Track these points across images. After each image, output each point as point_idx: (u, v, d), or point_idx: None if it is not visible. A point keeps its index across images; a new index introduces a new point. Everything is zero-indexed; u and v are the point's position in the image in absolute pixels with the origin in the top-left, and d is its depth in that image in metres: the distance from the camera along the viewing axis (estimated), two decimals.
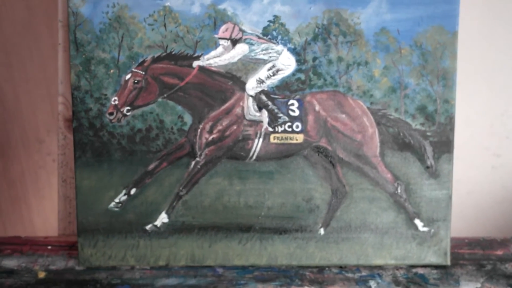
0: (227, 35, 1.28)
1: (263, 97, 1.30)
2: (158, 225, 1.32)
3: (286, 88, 1.31)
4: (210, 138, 1.31)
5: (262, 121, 1.31)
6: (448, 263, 1.34)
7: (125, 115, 1.29)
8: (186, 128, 1.31)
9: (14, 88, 1.46)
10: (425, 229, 1.33)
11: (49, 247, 1.45)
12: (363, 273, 1.33)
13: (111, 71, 1.28)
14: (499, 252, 1.44)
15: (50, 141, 1.49)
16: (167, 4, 1.27)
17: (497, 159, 1.56)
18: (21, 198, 1.51)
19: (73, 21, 1.26)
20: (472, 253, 1.43)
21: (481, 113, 1.53)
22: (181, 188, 1.32)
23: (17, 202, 1.51)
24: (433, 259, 1.34)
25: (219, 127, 1.31)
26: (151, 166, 1.31)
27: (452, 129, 1.31)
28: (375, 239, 1.33)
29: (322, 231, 1.34)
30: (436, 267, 1.35)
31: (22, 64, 1.45)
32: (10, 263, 1.37)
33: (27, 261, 1.37)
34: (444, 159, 1.32)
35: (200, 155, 1.31)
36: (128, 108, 1.29)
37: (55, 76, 1.45)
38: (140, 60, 1.28)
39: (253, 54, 1.29)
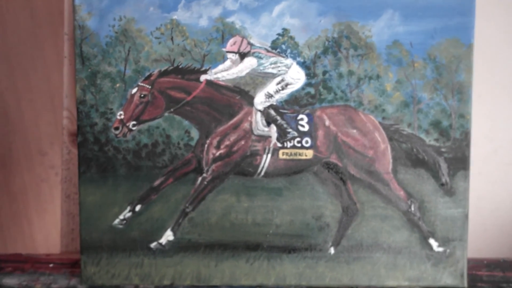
0: (235, 48, 1.36)
1: (272, 112, 1.38)
2: (163, 243, 1.39)
3: (295, 102, 1.38)
4: (217, 154, 1.39)
5: (270, 136, 1.38)
6: (465, 285, 1.39)
7: (131, 130, 1.37)
8: (193, 143, 1.38)
9: (17, 99, 1.54)
10: (440, 249, 1.39)
11: (51, 265, 1.52)
12: None
13: (117, 85, 1.36)
14: None
15: (54, 154, 1.56)
16: (175, 17, 1.35)
17: None
18: (22, 213, 1.57)
19: (79, 35, 1.34)
20: (491, 275, 1.47)
21: (504, 127, 1.57)
22: (187, 205, 1.39)
23: (18, 217, 1.57)
24: (448, 280, 1.39)
25: (227, 142, 1.39)
26: (157, 182, 1.38)
27: (468, 145, 1.37)
28: (388, 259, 1.39)
29: (332, 250, 1.40)
30: None
31: (26, 74, 1.53)
32: (11, 281, 1.43)
33: (28, 280, 1.44)
34: (459, 176, 1.38)
35: (207, 171, 1.39)
36: (134, 122, 1.37)
37: (59, 87, 1.53)
38: (147, 74, 1.36)
39: (261, 68, 1.37)
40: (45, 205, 1.58)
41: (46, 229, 1.58)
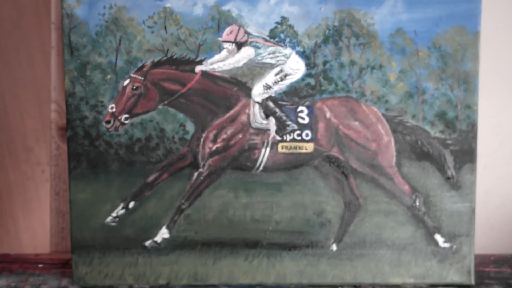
0: (231, 38, 1.34)
1: (270, 104, 1.36)
2: (159, 241, 1.37)
3: (294, 94, 1.36)
4: (213, 148, 1.37)
5: (269, 129, 1.36)
6: (472, 282, 1.38)
7: (123, 124, 1.35)
8: (188, 137, 1.36)
9: (1, 92, 1.51)
10: (447, 245, 1.38)
11: (41, 265, 1.50)
12: None
13: (108, 76, 1.34)
14: None
15: (40, 150, 1.54)
16: (168, 5, 1.32)
17: None
18: (8, 213, 1.56)
19: (67, 24, 1.32)
20: (499, 272, 1.47)
21: (511, 120, 1.57)
22: (183, 201, 1.37)
23: (3, 216, 1.56)
24: (455, 277, 1.38)
25: (224, 136, 1.37)
26: (151, 178, 1.36)
27: (474, 137, 1.36)
28: (392, 256, 1.38)
29: (334, 247, 1.38)
30: (459, 286, 1.39)
31: (9, 66, 1.51)
32: None
33: (17, 281, 1.42)
34: (466, 169, 1.36)
35: (203, 165, 1.37)
36: (127, 116, 1.35)
37: (46, 80, 1.50)
38: (139, 65, 1.34)
39: (259, 58, 1.35)
40: (31, 203, 1.56)
41: (33, 229, 1.57)
